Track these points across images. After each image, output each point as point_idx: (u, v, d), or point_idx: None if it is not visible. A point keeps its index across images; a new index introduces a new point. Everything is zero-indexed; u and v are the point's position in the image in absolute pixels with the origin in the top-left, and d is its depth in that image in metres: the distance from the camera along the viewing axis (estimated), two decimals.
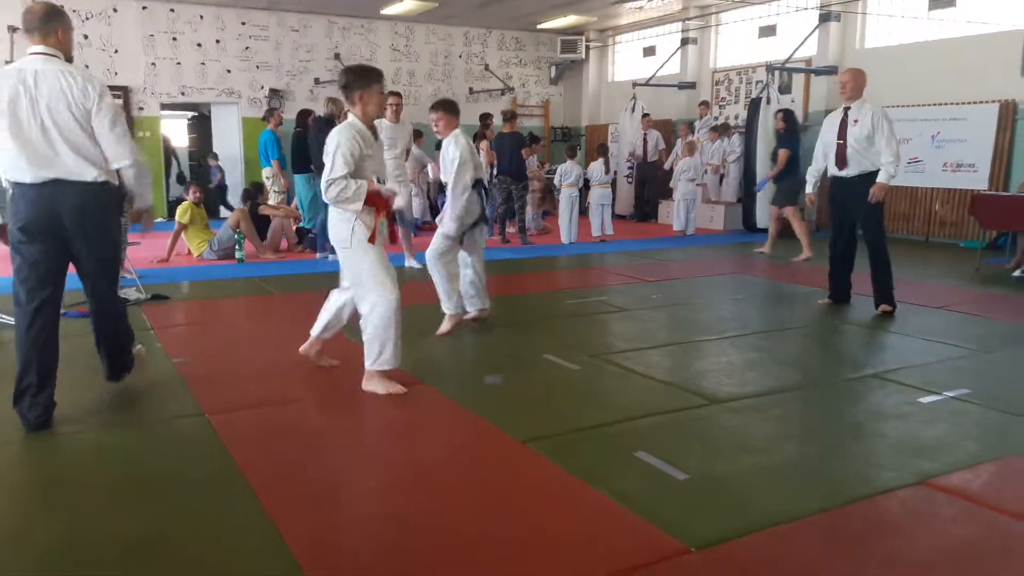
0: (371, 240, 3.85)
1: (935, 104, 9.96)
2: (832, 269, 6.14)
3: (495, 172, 9.78)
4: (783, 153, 9.19)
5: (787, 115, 9.38)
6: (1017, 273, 7.52)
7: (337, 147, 3.75)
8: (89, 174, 3.39)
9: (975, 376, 4.29)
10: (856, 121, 5.74)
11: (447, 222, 5.22)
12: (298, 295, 6.69)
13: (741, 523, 2.61)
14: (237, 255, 8.47)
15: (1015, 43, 8.92)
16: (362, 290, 3.93)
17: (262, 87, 13.90)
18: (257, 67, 13.86)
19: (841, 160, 5.84)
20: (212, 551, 2.44)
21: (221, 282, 7.26)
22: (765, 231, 11.07)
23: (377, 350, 3.91)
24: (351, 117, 3.92)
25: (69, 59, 3.48)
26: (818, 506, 2.74)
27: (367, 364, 3.97)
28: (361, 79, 3.87)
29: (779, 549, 2.48)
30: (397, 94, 7.94)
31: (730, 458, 3.19)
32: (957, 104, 9.76)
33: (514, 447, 3.27)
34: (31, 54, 3.37)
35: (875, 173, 5.70)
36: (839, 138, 5.82)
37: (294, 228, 9.55)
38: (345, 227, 3.86)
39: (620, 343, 5.01)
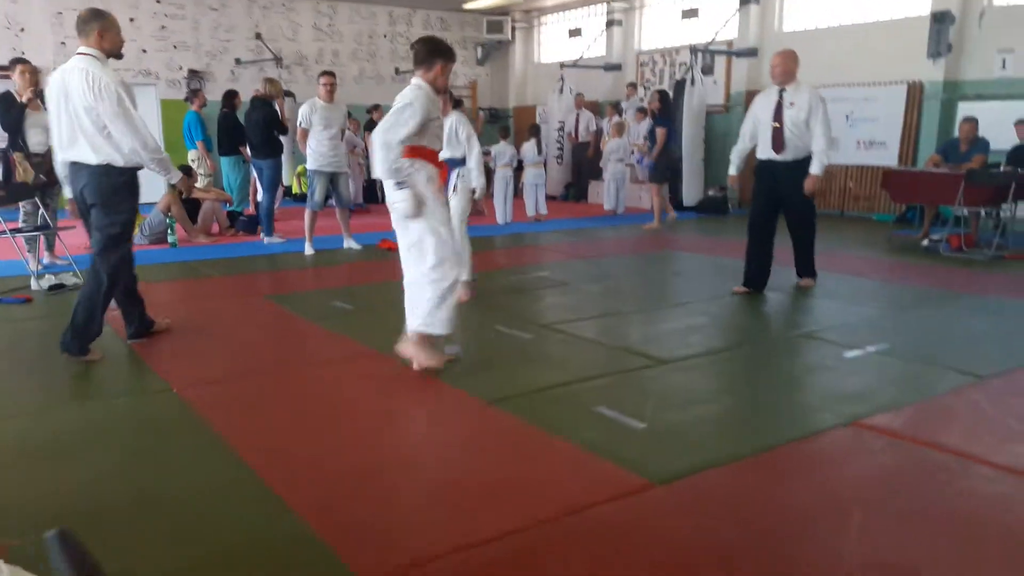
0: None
1: (849, 85, 10.54)
2: (751, 256, 5.84)
3: None
4: (661, 132, 9.62)
5: (663, 96, 9.75)
6: (925, 243, 8.10)
7: (411, 102, 3.66)
8: (94, 159, 3.96)
9: (892, 333, 4.69)
10: (792, 104, 5.55)
11: (480, 188, 5.45)
12: (240, 277, 6.68)
13: (696, 462, 2.86)
14: (170, 239, 8.32)
15: (922, 27, 9.52)
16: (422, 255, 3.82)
17: (180, 68, 13.55)
18: (175, 47, 13.49)
19: (778, 144, 5.60)
20: (216, 516, 2.54)
21: (157, 266, 7.15)
22: (693, 209, 11.54)
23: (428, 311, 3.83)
24: (421, 81, 3.78)
25: (116, 56, 4.10)
26: (763, 445, 3.02)
27: (414, 325, 3.90)
28: (447, 53, 3.88)
29: (732, 481, 2.74)
30: (331, 74, 7.93)
31: (681, 409, 3.45)
32: (869, 85, 10.35)
33: (482, 406, 3.46)
34: (76, 54, 4.00)
35: (808, 159, 5.57)
36: (775, 120, 5.60)
37: (224, 211, 9.42)
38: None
39: (567, 314, 5.24)
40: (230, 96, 10.06)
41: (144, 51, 13.18)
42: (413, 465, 2.91)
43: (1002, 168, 7.79)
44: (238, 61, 13.94)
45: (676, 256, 7.86)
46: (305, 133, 7.67)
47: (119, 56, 4.11)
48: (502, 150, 10.11)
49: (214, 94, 11.96)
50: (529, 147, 10.42)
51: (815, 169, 5.54)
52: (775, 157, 5.67)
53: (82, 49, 3.98)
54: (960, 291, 5.90)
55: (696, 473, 2.77)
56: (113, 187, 4.02)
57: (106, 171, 3.98)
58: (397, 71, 15.58)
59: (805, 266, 6.01)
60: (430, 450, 3.06)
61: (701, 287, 6.20)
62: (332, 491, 2.68)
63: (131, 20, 12.94)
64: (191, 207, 8.81)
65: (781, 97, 5.62)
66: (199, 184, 9.34)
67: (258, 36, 14.04)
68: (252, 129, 8.65)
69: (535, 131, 10.79)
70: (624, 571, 2.19)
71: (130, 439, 3.16)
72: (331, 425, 3.32)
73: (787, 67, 5.61)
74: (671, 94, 11.67)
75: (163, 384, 3.76)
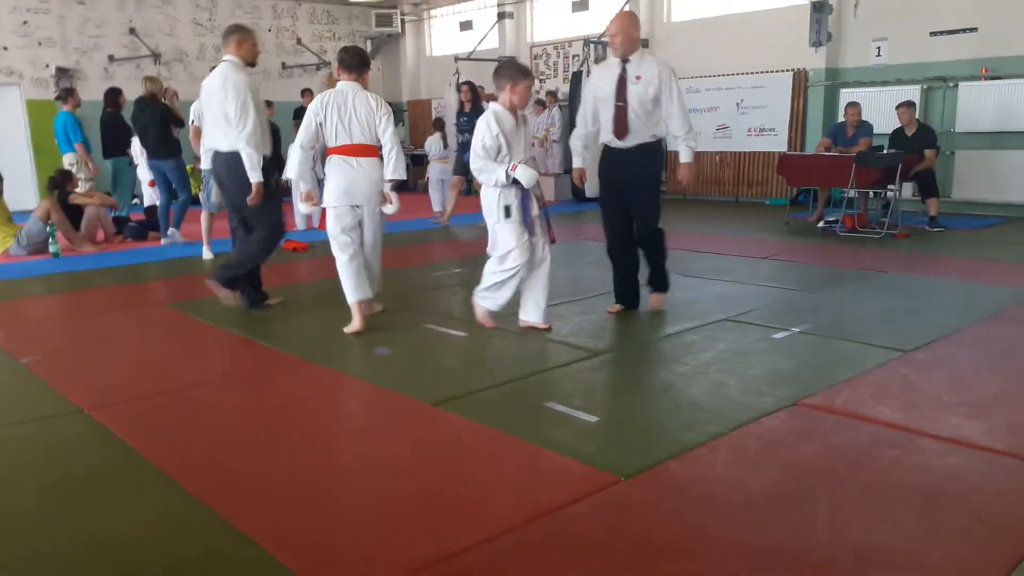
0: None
1: (738, 74, 10.91)
2: (616, 268, 5.05)
3: None
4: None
5: (472, 87, 9.77)
6: (821, 224, 8.48)
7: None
8: (222, 147, 4.84)
9: (811, 312, 4.85)
10: (639, 77, 4.54)
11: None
12: (135, 286, 6.24)
13: (657, 453, 2.84)
14: (52, 249, 7.70)
15: (804, 16, 9.95)
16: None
17: (47, 66, 12.59)
18: (39, 44, 12.54)
19: (621, 127, 4.63)
20: (166, 548, 2.31)
21: (41, 278, 6.60)
22: (595, 200, 11.65)
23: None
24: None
25: (251, 63, 4.90)
26: (716, 431, 3.04)
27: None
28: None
29: (695, 469, 2.73)
30: None
31: (628, 400, 3.43)
32: (757, 73, 10.75)
33: (427, 410, 3.32)
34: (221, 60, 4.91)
35: (655, 145, 4.68)
36: (618, 99, 4.59)
37: (110, 217, 8.81)
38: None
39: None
40: (113, 94, 9.40)
41: (5, 48, 12.17)
42: (365, 477, 2.75)
43: (885, 150, 8.25)
44: (111, 58, 13.09)
45: (585, 246, 7.91)
46: (198, 131, 7.22)
47: (254, 64, 4.95)
48: (434, 142, 10.17)
49: (88, 93, 11.17)
50: (434, 141, 10.25)
51: (684, 156, 4.69)
52: (618, 144, 4.72)
53: (225, 56, 4.85)
54: (862, 269, 6.18)
55: (658, 464, 2.75)
56: (236, 170, 4.79)
57: (231, 157, 4.79)
58: (284, 66, 15.04)
59: (657, 278, 4.98)
60: (381, 460, 2.90)
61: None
62: (283, 512, 2.48)
63: None
64: (73, 214, 8.18)
65: (624, 70, 4.58)
66: (80, 189, 8.68)
67: (132, 32, 13.21)
68: (145, 130, 8.15)
69: (439, 125, 10.63)
70: (603, 570, 2.12)
71: (49, 470, 2.84)
72: (268, 440, 3.10)
73: (628, 33, 4.56)
74: (569, 86, 11.78)
75: (72, 406, 3.42)
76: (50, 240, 7.68)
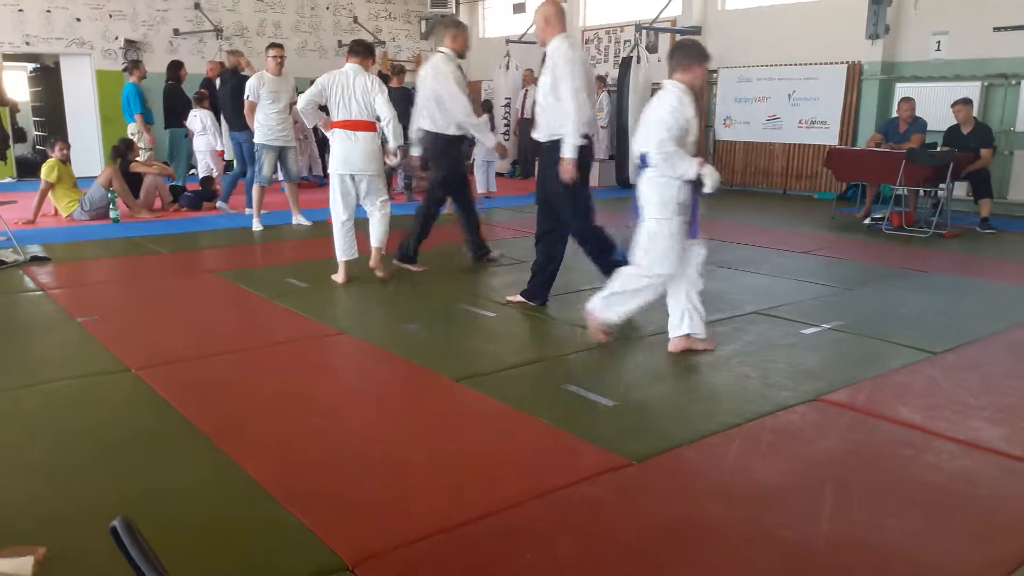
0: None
1: (791, 64, 10.73)
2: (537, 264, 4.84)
3: None
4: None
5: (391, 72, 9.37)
6: (867, 221, 8.35)
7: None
8: (430, 127, 5.63)
9: (845, 310, 4.82)
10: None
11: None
12: (189, 254, 6.49)
13: (670, 439, 2.91)
14: (112, 215, 8.01)
15: (861, 8, 9.73)
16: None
17: (116, 38, 12.96)
18: (110, 16, 12.90)
19: (534, 119, 4.77)
20: (190, 500, 2.47)
21: (101, 242, 6.90)
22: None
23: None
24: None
25: (462, 56, 5.59)
26: (731, 421, 3.09)
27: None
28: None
29: (708, 457, 2.80)
30: (280, 46, 7.72)
31: (648, 386, 3.50)
32: (811, 65, 10.55)
33: (450, 385, 3.45)
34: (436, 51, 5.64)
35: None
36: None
37: (167, 186, 9.11)
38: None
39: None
40: (175, 67, 9.70)
41: (78, 20, 12.58)
42: (388, 445, 2.88)
43: (938, 148, 8.06)
44: (176, 32, 13.41)
45: (624, 233, 7.92)
46: (253, 106, 7.46)
47: (463, 56, 5.59)
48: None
49: (153, 65, 11.50)
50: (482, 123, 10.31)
51: (565, 151, 4.29)
52: (534, 135, 4.69)
53: (440, 48, 5.55)
54: (905, 268, 6.10)
55: (670, 450, 2.82)
56: (436, 148, 5.65)
57: (441, 137, 5.58)
58: (340, 44, 15.22)
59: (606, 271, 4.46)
60: (401, 429, 3.03)
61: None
62: (308, 474, 2.63)
63: None
64: (133, 182, 8.49)
65: (543, 59, 4.58)
66: (140, 158, 9.00)
67: (197, 6, 13.52)
68: (224, 101, 8.46)
69: (487, 107, 10.72)
70: (608, 549, 2.21)
71: (94, 425, 3.04)
72: (299, 406, 3.26)
73: (540, 23, 4.42)
74: (618, 71, 11.73)
75: (120, 365, 3.63)
76: (111, 206, 8.00)
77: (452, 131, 5.61)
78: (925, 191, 8.05)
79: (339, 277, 5.38)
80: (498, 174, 12.22)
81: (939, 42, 9.50)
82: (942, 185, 7.79)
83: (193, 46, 13.58)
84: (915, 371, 3.70)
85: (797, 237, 7.43)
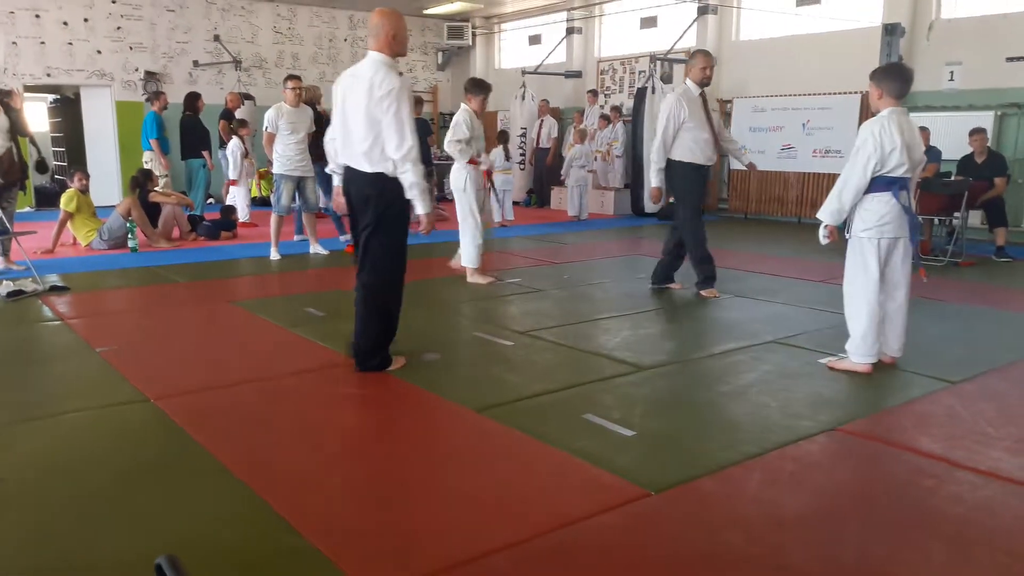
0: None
1: (805, 94, 10.79)
2: None
3: None
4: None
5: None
6: None
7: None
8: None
9: None
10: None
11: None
12: (207, 283, 6.55)
13: (690, 470, 2.90)
14: (130, 244, 8.13)
15: (874, 39, 9.80)
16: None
17: (136, 69, 13.24)
18: (131, 48, 13.18)
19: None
20: (211, 530, 2.49)
21: (119, 272, 6.99)
22: (654, 215, 11.67)
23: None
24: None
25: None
26: (752, 451, 3.08)
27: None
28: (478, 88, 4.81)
29: (728, 488, 2.79)
30: (298, 78, 7.85)
31: (666, 415, 3.50)
32: (824, 95, 10.62)
33: (470, 415, 3.45)
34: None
35: (373, 178, 3.80)
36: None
37: (185, 216, 9.23)
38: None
39: (544, 320, 5.25)
40: (192, 99, 9.88)
41: (99, 52, 12.86)
42: (409, 477, 2.89)
43: (953, 177, 8.07)
44: (196, 63, 13.68)
45: (641, 261, 7.95)
46: (272, 137, 7.58)
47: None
48: (499, 154, 10.38)
49: (173, 96, 11.70)
50: (497, 153, 10.44)
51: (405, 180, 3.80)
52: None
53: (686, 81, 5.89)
54: (921, 297, 6.06)
55: (691, 481, 2.81)
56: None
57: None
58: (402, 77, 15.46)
59: (362, 349, 4.07)
60: (424, 461, 3.04)
61: (668, 292, 6.27)
62: (329, 505, 2.64)
63: (85, 20, 12.64)
64: (152, 212, 8.62)
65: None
66: (158, 187, 9.14)
67: (216, 39, 13.79)
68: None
69: (504, 137, 10.85)
70: None
71: (114, 455, 3.07)
72: (319, 436, 3.28)
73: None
74: (633, 101, 11.84)
75: (140, 395, 3.67)
76: (129, 236, 8.11)
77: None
78: (940, 220, 8.04)
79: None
80: (514, 203, 12.34)
81: (952, 72, 9.55)
82: (957, 214, 7.78)
83: (212, 77, 13.84)
84: (934, 400, 3.68)
85: (813, 266, 7.43)
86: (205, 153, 10.00)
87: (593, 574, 2.24)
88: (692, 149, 5.93)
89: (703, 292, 6.06)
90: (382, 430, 3.42)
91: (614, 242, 9.37)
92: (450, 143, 6.29)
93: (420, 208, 3.89)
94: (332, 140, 4.07)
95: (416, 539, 2.42)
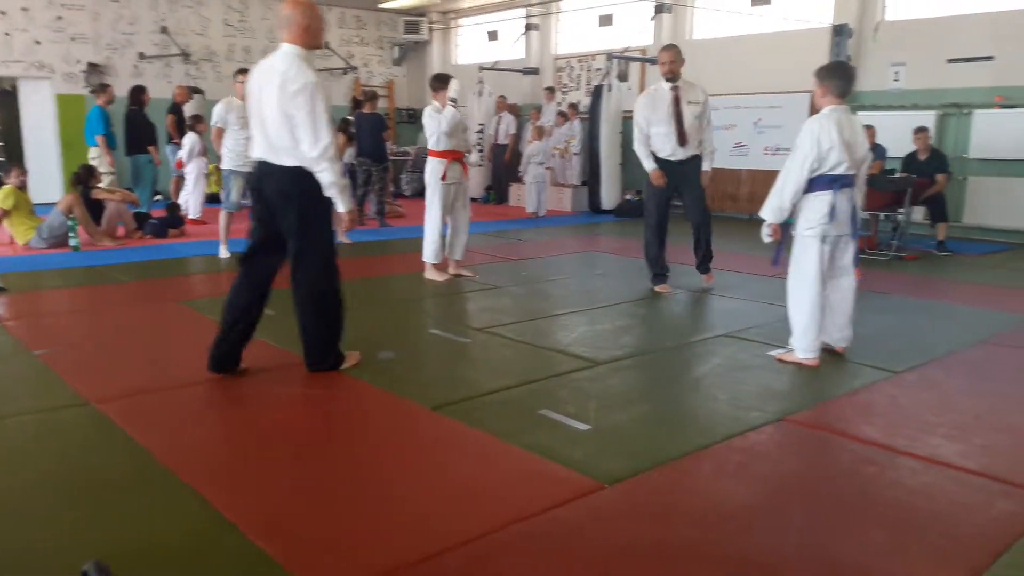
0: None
1: (757, 93, 10.98)
2: None
3: (356, 154, 9.76)
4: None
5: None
6: None
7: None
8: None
9: None
10: None
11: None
12: (153, 282, 6.41)
13: (643, 461, 2.94)
14: (72, 243, 7.89)
15: (823, 39, 10.01)
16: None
17: (78, 61, 12.86)
18: (72, 39, 12.80)
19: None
20: (166, 543, 2.43)
21: (60, 271, 6.78)
22: (612, 212, 11.76)
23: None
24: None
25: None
26: (703, 443, 3.13)
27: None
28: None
29: (678, 480, 2.83)
30: (247, 71, 7.70)
31: (621, 409, 3.53)
32: (775, 93, 10.81)
33: (425, 413, 3.44)
34: None
35: (292, 172, 3.67)
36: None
37: (131, 213, 9.01)
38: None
39: (501, 317, 5.26)
40: (138, 92, 9.63)
41: (38, 43, 12.46)
42: (361, 476, 2.87)
43: (897, 174, 8.29)
44: (142, 56, 13.35)
45: (598, 257, 8.02)
46: (220, 132, 7.44)
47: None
48: None
49: (118, 90, 11.40)
50: None
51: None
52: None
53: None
54: (867, 290, 6.21)
55: (643, 473, 2.85)
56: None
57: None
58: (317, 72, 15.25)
59: (313, 351, 4.00)
60: (376, 460, 3.02)
61: (625, 288, 6.33)
62: (277, 506, 2.61)
63: (24, 9, 12.23)
64: (95, 209, 8.39)
65: None
66: (103, 184, 8.90)
67: (164, 30, 13.49)
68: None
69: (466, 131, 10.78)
70: (579, 573, 2.22)
71: (48, 460, 2.97)
72: (268, 437, 3.23)
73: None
74: (590, 99, 11.90)
75: (79, 399, 3.57)
76: (70, 234, 7.88)
77: None
78: (885, 215, 8.25)
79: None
80: (472, 199, 12.30)
81: (897, 72, 9.81)
82: (901, 209, 8.00)
83: (159, 70, 13.53)
84: (877, 390, 3.78)
85: (764, 261, 7.55)
86: (152, 148, 9.77)
87: (547, 568, 2.25)
88: (655, 143, 6.02)
89: (656, 288, 6.13)
90: (333, 429, 3.39)
91: (572, 239, 9.42)
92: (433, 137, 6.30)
93: (341, 206, 3.74)
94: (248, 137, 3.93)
95: (367, 538, 2.40)
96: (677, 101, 5.93)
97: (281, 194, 3.70)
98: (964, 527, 2.47)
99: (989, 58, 8.98)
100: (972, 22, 9.14)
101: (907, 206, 7.92)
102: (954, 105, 9.30)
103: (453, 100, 6.20)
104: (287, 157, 3.64)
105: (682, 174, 6.09)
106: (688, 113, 5.95)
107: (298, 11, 3.65)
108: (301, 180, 3.66)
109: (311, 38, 3.69)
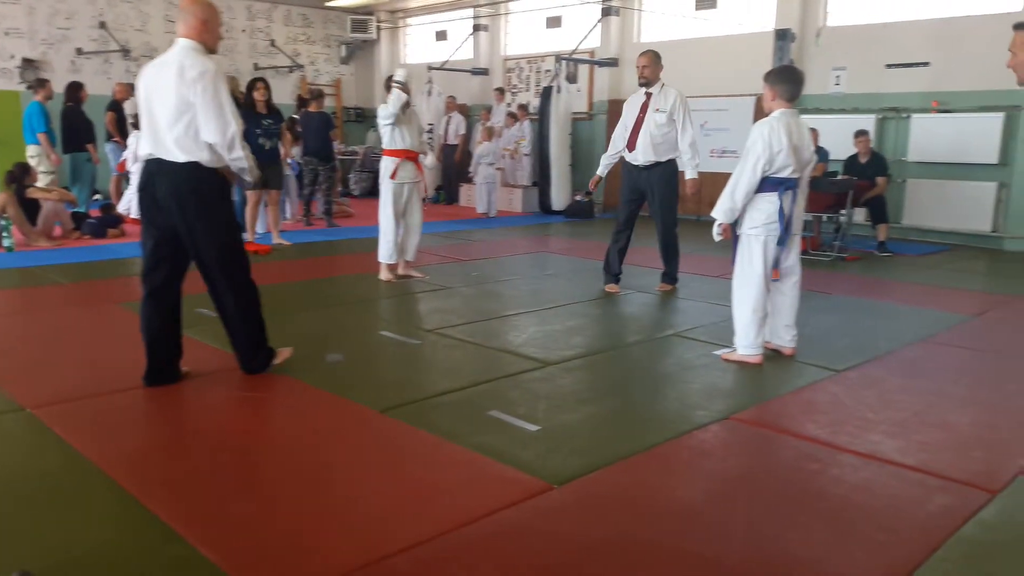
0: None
1: (703, 96, 11.13)
2: None
3: (302, 153, 9.62)
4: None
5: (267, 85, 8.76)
6: None
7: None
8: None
9: None
10: None
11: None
12: (92, 284, 6.22)
13: (592, 461, 2.95)
14: (5, 243, 7.61)
15: (767, 43, 10.22)
16: None
17: (12, 56, 12.43)
18: (6, 33, 12.38)
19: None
20: (104, 550, 2.36)
21: None
22: (561, 213, 11.81)
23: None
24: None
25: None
26: (651, 442, 3.16)
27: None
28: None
29: (625, 479, 2.85)
30: None
31: (571, 409, 3.54)
32: (721, 96, 10.99)
33: (373, 416, 3.40)
34: None
35: (191, 168, 3.54)
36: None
37: (68, 212, 8.73)
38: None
39: (451, 318, 5.23)
40: (74, 88, 9.33)
41: None
42: (306, 481, 2.81)
43: (839, 177, 8.51)
44: (79, 51, 12.96)
45: (549, 258, 8.04)
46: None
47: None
48: None
49: (54, 86, 11.05)
50: None
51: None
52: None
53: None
54: (810, 291, 6.36)
55: (591, 472, 2.86)
56: None
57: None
58: (256, 67, 15.00)
59: (245, 353, 3.94)
60: (322, 464, 2.96)
61: (576, 288, 6.36)
62: (220, 512, 2.55)
63: None
64: (30, 208, 8.10)
65: None
66: (40, 183, 8.60)
67: (102, 25, 13.11)
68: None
69: (422, 132, 10.71)
70: (531, 574, 2.22)
71: None
72: (211, 442, 3.16)
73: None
74: (540, 100, 11.93)
75: (14, 404, 3.44)
76: (3, 234, 7.60)
77: None
78: (828, 217, 8.46)
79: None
80: (422, 199, 12.23)
81: (838, 77, 10.06)
82: (843, 211, 8.21)
83: (98, 67, 13.16)
84: (820, 388, 3.87)
85: (710, 261, 7.68)
86: (90, 146, 9.48)
87: (496, 570, 2.24)
88: (621, 145, 6.14)
89: (606, 287, 6.18)
90: (279, 433, 3.33)
91: (522, 239, 9.44)
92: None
93: (247, 178, 3.72)
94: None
95: (312, 544, 2.36)
96: (644, 107, 5.98)
97: (176, 194, 3.51)
98: (902, 521, 2.53)
99: (925, 64, 9.28)
100: (909, 29, 9.44)
101: (849, 208, 8.13)
102: (893, 109, 9.58)
103: (399, 83, 6.05)
104: (181, 152, 3.47)
105: (646, 180, 6.08)
106: (650, 120, 5.93)
107: (196, 7, 3.53)
108: (197, 177, 3.52)
109: (209, 35, 3.56)
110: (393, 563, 2.26)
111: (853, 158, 8.69)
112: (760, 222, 4.19)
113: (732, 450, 3.16)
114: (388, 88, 6.27)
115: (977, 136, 8.90)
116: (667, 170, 6.09)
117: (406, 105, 6.15)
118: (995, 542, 2.44)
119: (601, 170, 6.35)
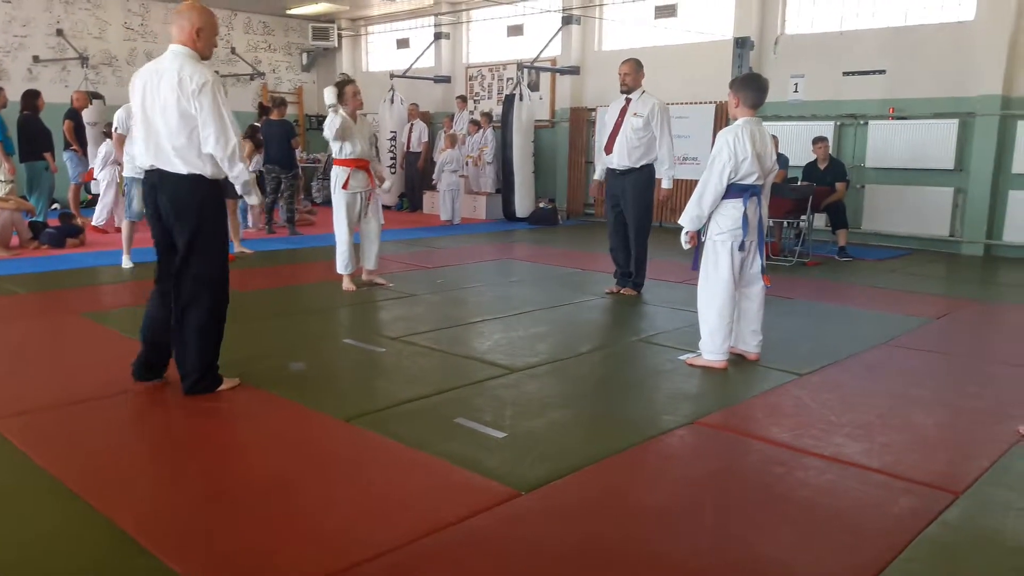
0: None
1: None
2: None
3: (264, 161, 9.51)
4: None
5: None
6: None
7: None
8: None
9: None
10: None
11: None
12: (51, 294, 6.08)
13: (559, 467, 2.95)
14: None
15: (726, 51, 10.37)
16: None
17: None
18: None
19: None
20: (65, 563, 2.29)
21: None
22: (525, 220, 11.83)
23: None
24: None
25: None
26: (616, 447, 3.17)
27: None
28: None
29: (593, 484, 2.86)
30: None
31: (538, 415, 3.54)
32: (682, 104, 11.11)
33: (338, 425, 3.37)
34: None
35: (184, 179, 3.55)
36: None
37: (26, 222, 8.53)
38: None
39: (416, 325, 5.21)
40: (31, 96, 9.13)
41: None
42: (271, 490, 2.77)
43: (799, 183, 8.65)
44: (36, 59, 12.69)
45: (513, 265, 8.05)
46: (122, 139, 7.14)
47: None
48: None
49: (11, 94, 10.79)
50: None
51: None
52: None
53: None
54: (771, 295, 6.44)
55: (559, 479, 2.86)
56: None
57: None
58: (217, 75, 14.80)
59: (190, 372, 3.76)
60: (287, 473, 2.92)
61: (540, 295, 6.37)
62: (185, 523, 2.50)
63: None
64: None
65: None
66: None
67: (59, 33, 12.86)
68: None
69: (373, 141, 10.66)
70: None
71: None
72: (174, 452, 3.10)
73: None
74: (502, 108, 11.96)
75: None
76: None
77: None
78: (788, 222, 8.59)
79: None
80: (385, 207, 12.17)
81: (796, 84, 10.24)
82: (803, 217, 8.35)
83: (56, 75, 12.91)
84: (783, 392, 3.91)
85: (672, 267, 7.75)
86: (47, 155, 9.28)
87: None
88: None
89: (608, 289, 6.45)
90: (243, 444, 3.28)
91: (487, 246, 9.43)
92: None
93: (254, 199, 3.93)
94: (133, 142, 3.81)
95: (281, 552, 2.32)
96: (624, 112, 6.08)
97: (177, 204, 3.53)
98: (867, 523, 2.57)
99: (882, 72, 9.49)
100: (866, 37, 9.65)
101: (809, 213, 8.27)
102: (850, 116, 9.78)
103: (331, 106, 5.99)
104: (182, 164, 3.49)
105: (620, 185, 6.20)
106: (627, 124, 6.06)
107: (194, 14, 3.54)
108: (199, 190, 3.54)
109: (202, 43, 3.57)
110: (360, 572, 2.23)
111: (812, 164, 8.85)
112: (727, 228, 4.24)
113: (699, 454, 3.18)
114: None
115: (933, 142, 9.13)
116: (641, 177, 6.14)
117: (352, 117, 6.10)
118: (959, 543, 2.48)
119: (598, 174, 6.49)
